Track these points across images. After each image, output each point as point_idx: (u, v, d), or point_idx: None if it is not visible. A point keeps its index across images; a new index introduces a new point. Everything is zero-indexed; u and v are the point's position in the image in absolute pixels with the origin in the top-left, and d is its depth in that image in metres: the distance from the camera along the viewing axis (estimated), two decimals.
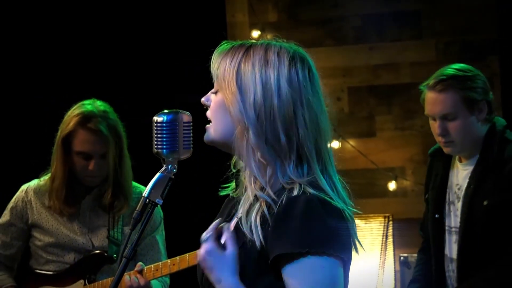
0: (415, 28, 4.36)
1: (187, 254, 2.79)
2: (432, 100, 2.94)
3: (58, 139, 3.05)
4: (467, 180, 2.96)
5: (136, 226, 1.77)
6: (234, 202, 1.83)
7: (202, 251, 1.72)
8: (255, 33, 4.48)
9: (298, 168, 1.69)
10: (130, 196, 3.10)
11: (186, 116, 1.78)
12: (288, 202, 1.64)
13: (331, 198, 1.66)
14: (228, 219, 1.82)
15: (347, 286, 1.71)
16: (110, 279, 2.99)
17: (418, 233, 3.31)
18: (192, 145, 1.79)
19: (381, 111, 4.41)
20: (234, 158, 1.82)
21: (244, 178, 1.75)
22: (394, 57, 4.38)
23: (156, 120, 1.76)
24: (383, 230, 4.16)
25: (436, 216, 3.07)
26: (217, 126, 1.76)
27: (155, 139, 1.77)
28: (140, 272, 2.84)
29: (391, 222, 4.20)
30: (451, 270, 3.03)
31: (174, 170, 1.78)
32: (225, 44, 1.78)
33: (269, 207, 1.66)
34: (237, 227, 1.72)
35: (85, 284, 3.04)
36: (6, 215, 3.15)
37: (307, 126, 1.69)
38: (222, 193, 1.88)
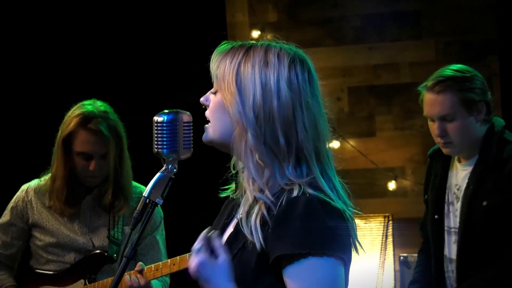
0: (415, 28, 4.36)
1: (187, 254, 2.79)
2: (431, 101, 2.94)
3: (59, 140, 3.05)
4: (466, 181, 2.96)
5: (137, 226, 1.77)
6: (234, 203, 1.83)
7: (194, 263, 1.70)
8: (255, 33, 4.47)
9: (297, 169, 1.68)
10: (130, 196, 3.10)
11: (186, 116, 1.78)
12: (288, 203, 1.64)
13: (331, 198, 1.65)
14: (228, 221, 1.82)
15: (347, 286, 1.71)
16: (111, 279, 2.99)
17: (418, 233, 3.32)
18: (192, 145, 1.79)
19: (381, 111, 4.41)
20: (234, 159, 1.81)
21: (243, 179, 1.74)
22: (394, 57, 4.38)
23: (157, 120, 1.76)
24: (383, 230, 4.16)
25: (436, 217, 3.07)
26: (215, 127, 1.75)
27: (155, 139, 1.77)
28: (141, 272, 2.84)
29: (391, 222, 4.20)
30: (450, 270, 3.03)
31: (174, 170, 1.78)
32: (225, 44, 1.78)
33: (268, 208, 1.66)
34: (238, 228, 1.72)
35: (85, 284, 3.04)
36: (6, 215, 3.15)
37: (306, 128, 1.68)
38: (222, 194, 1.88)
